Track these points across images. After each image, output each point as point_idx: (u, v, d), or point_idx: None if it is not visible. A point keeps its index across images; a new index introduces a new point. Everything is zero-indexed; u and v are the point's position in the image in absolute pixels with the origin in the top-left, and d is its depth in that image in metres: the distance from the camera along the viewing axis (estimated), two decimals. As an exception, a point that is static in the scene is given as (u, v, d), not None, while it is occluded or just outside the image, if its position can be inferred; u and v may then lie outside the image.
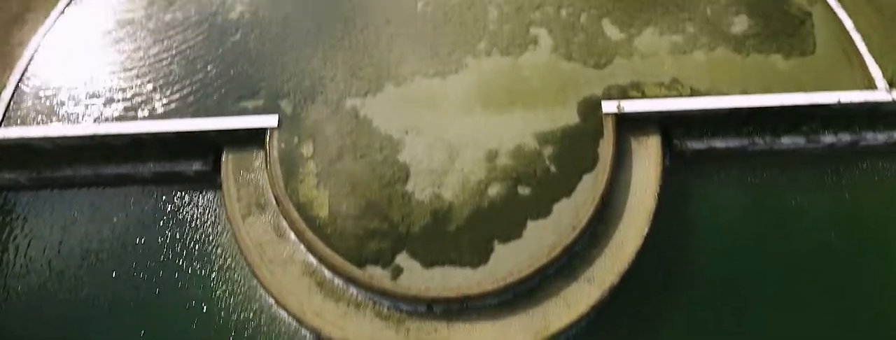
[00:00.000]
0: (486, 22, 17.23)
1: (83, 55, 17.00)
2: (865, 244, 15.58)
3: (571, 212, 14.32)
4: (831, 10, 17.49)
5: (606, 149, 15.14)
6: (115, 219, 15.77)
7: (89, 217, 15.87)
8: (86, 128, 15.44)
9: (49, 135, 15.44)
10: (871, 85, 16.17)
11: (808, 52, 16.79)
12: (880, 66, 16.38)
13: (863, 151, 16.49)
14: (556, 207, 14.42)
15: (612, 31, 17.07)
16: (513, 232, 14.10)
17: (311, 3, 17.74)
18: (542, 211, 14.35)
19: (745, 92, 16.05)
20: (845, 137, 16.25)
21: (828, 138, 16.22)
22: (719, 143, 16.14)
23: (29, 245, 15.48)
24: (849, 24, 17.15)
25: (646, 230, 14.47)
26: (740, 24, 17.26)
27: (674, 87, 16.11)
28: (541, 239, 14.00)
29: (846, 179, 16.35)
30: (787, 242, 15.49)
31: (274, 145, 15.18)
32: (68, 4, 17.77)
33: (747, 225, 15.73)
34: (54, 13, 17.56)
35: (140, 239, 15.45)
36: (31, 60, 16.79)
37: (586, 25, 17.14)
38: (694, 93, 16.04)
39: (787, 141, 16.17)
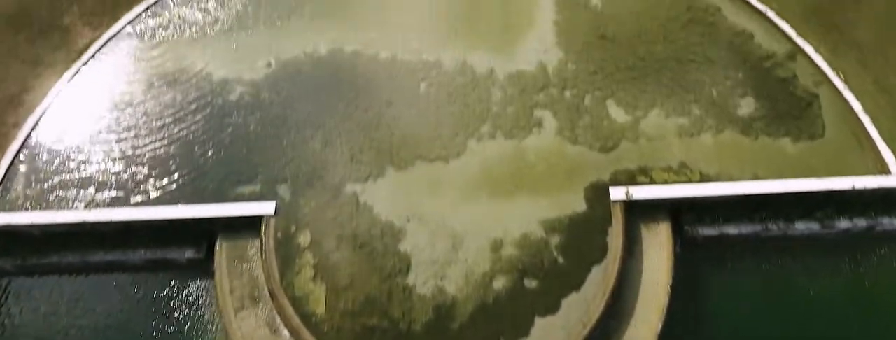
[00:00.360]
0: (490, 103, 17.01)
1: (78, 137, 16.67)
2: (887, 334, 14.81)
3: (581, 308, 13.62)
4: (838, 91, 17.31)
5: (615, 238, 14.57)
6: (99, 309, 14.97)
7: (73, 305, 15.07)
8: (76, 215, 14.87)
9: (36, 223, 14.88)
10: (884, 169, 15.80)
11: (817, 136, 16.51)
12: (892, 150, 16.05)
13: (880, 237, 15.90)
14: (565, 302, 13.76)
15: (617, 113, 16.83)
16: (520, 329, 13.38)
17: (312, 84, 17.55)
18: (551, 306, 13.67)
19: (755, 176, 15.69)
20: (861, 223, 15.70)
21: (843, 224, 15.66)
22: (731, 229, 15.58)
23: (9, 334, 14.66)
24: (857, 106, 16.93)
25: (659, 327, 13.71)
26: (747, 106, 17.05)
27: (682, 172, 15.74)
28: (549, 338, 13.26)
29: (864, 266, 15.70)
30: (805, 333, 14.74)
31: (270, 234, 14.60)
32: (66, 84, 17.57)
33: (762, 315, 15.00)
34: (52, 94, 17.33)
35: (125, 331, 14.61)
36: (24, 143, 16.44)
37: (591, 107, 16.91)
38: (703, 178, 15.65)
39: (801, 226, 15.62)
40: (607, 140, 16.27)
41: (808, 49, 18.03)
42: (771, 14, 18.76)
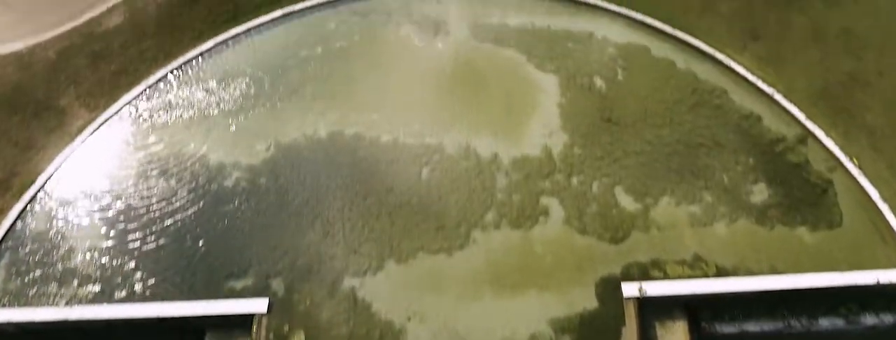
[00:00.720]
0: (495, 190, 16.43)
1: (64, 227, 16.01)
2: None
3: (596, 420, 12.61)
4: (852, 177, 16.76)
5: (630, 338, 13.71)
6: (76, 415, 13.98)
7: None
8: (55, 313, 13.98)
9: (13, 321, 13.99)
10: (907, 262, 15.13)
11: (835, 225, 15.89)
12: (914, 241, 15.44)
13: (909, 333, 15.07)
14: (579, 413, 12.77)
15: (626, 201, 16.25)
16: None
17: (311, 169, 17.01)
18: (563, 417, 12.68)
19: (773, 269, 14.99)
20: (888, 318, 14.85)
21: (869, 320, 14.84)
22: (752, 326, 14.72)
23: None
24: (874, 193, 16.37)
25: None
26: (760, 193, 16.49)
27: (697, 266, 15.05)
28: None
29: (895, 365, 14.82)
30: None
31: (261, 335, 13.71)
32: (56, 170, 17.03)
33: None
34: (41, 179, 16.75)
35: None
36: (8, 231, 15.77)
37: (599, 195, 16.35)
38: (719, 271, 14.96)
39: (825, 323, 14.75)
40: (617, 230, 15.63)
41: (819, 133, 17.60)
42: (778, 96, 18.45)
